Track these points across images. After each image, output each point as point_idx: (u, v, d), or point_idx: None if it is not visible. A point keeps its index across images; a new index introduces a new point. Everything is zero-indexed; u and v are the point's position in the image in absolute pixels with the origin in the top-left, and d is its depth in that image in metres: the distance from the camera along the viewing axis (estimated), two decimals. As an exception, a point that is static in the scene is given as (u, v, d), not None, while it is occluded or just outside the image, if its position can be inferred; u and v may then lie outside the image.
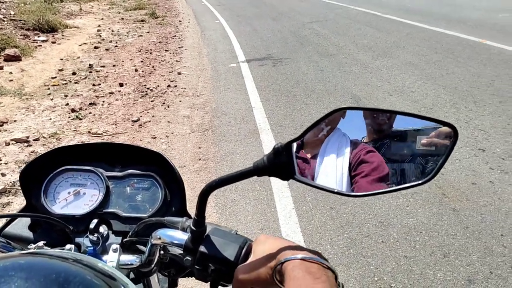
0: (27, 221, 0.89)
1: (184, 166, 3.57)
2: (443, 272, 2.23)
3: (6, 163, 3.69)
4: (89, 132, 4.35)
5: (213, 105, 5.07)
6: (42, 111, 5.01)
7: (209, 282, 0.67)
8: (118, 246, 0.79)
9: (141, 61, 7.32)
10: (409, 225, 2.63)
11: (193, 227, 0.66)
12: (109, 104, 5.20)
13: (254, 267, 0.59)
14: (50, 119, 4.76)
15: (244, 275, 0.60)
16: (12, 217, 0.90)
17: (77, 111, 4.92)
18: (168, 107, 5.07)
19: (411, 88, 5.12)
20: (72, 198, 0.89)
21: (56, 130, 4.43)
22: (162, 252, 0.74)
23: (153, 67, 6.93)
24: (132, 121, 4.61)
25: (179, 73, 6.52)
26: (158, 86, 5.88)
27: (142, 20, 12.14)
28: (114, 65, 7.11)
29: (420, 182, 0.62)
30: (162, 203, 0.89)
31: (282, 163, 0.59)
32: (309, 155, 0.66)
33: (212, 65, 7.02)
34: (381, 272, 2.25)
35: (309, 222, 2.72)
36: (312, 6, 13.72)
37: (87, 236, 0.81)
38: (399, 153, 0.65)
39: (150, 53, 7.98)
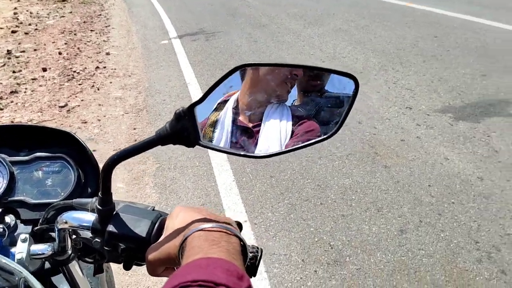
0: None
1: (119, 148, 3.42)
2: (377, 226, 2.35)
3: None
4: (12, 122, 4.05)
5: (146, 84, 4.90)
6: (-44, 104, 4.59)
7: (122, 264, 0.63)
8: (27, 235, 0.72)
9: (65, 43, 6.87)
10: (345, 185, 2.72)
11: (99, 206, 0.61)
12: (32, 91, 4.85)
13: (163, 245, 0.54)
14: (-34, 112, 4.37)
15: (154, 254, 0.55)
16: None
17: (-3, 101, 4.55)
18: (98, 89, 4.83)
19: (342, 53, 5.24)
20: None
21: (-26, 123, 4.08)
22: (74, 236, 0.69)
23: (78, 48, 6.53)
24: (59, 107, 4.35)
25: (108, 54, 6.21)
26: (86, 68, 5.57)
27: (64, 0, 11.35)
28: (35, 50, 6.62)
29: (325, 136, 0.62)
30: (75, 186, 0.82)
31: (185, 129, 0.55)
32: (246, 122, 0.64)
33: (143, 43, 6.74)
34: (320, 232, 2.33)
35: (250, 192, 2.74)
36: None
37: None
38: (307, 108, 0.64)
39: (75, 34, 7.51)
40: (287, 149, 0.62)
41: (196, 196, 2.76)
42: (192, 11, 8.84)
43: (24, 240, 0.71)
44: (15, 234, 0.75)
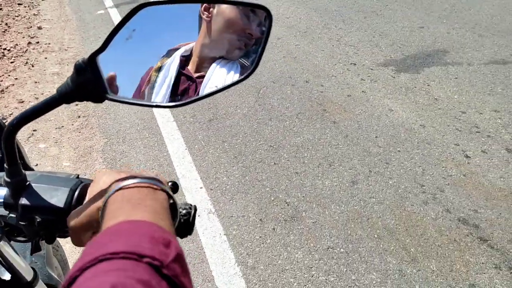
0: None
1: (62, 126, 3.28)
2: (330, 180, 2.42)
3: None
4: None
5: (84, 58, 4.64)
6: None
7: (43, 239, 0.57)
8: None
9: (-10, 20, 6.34)
10: (297, 144, 2.77)
11: (7, 179, 0.55)
12: (-42, 73, 4.47)
13: (84, 210, 0.49)
14: None
15: (75, 221, 0.50)
16: None
17: None
18: (33, 66, 4.53)
19: (285, 14, 5.21)
20: None
21: None
22: None
23: (6, 24, 6.05)
24: (-9, 88, 4.05)
25: (40, 28, 5.80)
26: (17, 45, 5.18)
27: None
28: (-44, 28, 6.06)
29: (242, 77, 0.60)
30: None
31: (89, 82, 0.49)
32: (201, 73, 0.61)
33: (77, 15, 6.35)
34: (276, 191, 2.37)
35: (203, 159, 2.72)
36: None
37: None
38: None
39: (0, 9, 6.93)
40: (205, 93, 0.58)
41: (148, 167, 2.71)
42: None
43: None
44: None
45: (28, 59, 4.72)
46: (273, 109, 3.12)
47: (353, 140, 2.75)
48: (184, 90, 0.62)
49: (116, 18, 5.88)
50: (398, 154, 2.58)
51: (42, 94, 3.86)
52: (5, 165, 0.54)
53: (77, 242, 0.52)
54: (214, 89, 0.59)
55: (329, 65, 3.80)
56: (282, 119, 3.02)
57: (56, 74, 4.29)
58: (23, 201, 0.54)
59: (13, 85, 4.11)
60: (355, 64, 3.78)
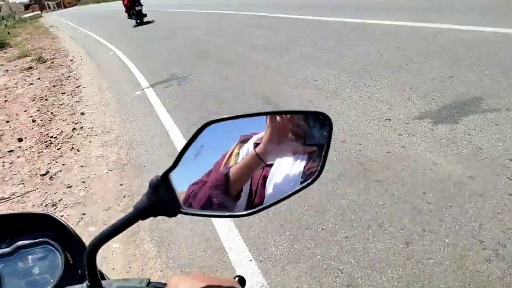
0: None
1: (109, 208, 3.37)
2: (382, 242, 2.34)
3: None
4: (-6, 199, 3.94)
5: (126, 138, 4.87)
6: None
7: None
8: None
9: (38, 110, 6.83)
10: (342, 206, 2.72)
11: None
12: (10, 163, 4.76)
13: None
14: None
15: None
16: None
17: (-24, 180, 4.44)
18: (78, 151, 4.77)
19: (313, 77, 5.36)
20: None
21: (-45, 206, 3.95)
22: None
23: (52, 113, 6.50)
24: (40, 175, 4.27)
25: (82, 114, 6.19)
26: (62, 131, 5.52)
27: (30, 68, 11.35)
28: (7, 121, 6.55)
29: (309, 181, 0.60)
30: (64, 269, 0.79)
31: (162, 200, 0.53)
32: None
33: (116, 98, 6.76)
34: (327, 259, 2.31)
35: (249, 230, 2.70)
36: (204, 20, 13.83)
37: None
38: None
39: (46, 99, 7.48)
40: (277, 199, 0.59)
41: (196, 243, 2.71)
42: (159, 59, 8.95)
43: None
44: None
45: (73, 144, 4.99)
46: (313, 173, 3.12)
47: (400, 198, 2.68)
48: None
49: (152, 97, 6.21)
50: (450, 210, 2.49)
51: (88, 177, 4.03)
52: (86, 282, 0.58)
53: None
54: (282, 196, 0.59)
55: (363, 123, 3.82)
56: (324, 182, 3.00)
57: (101, 157, 4.49)
58: None
59: (60, 171, 4.32)
60: (389, 119, 3.78)
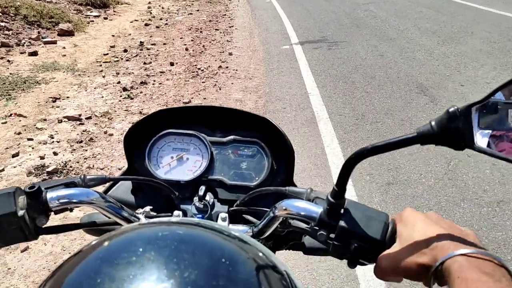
0: (128, 184, 0.89)
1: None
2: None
3: (58, 141, 3.64)
4: (140, 112, 4.24)
5: (266, 89, 4.83)
6: (94, 88, 4.96)
7: (344, 259, 0.60)
8: (226, 215, 0.77)
9: (191, 40, 7.16)
10: (497, 239, 2.31)
11: (331, 199, 0.57)
12: (160, 83, 5.07)
13: (401, 258, 0.50)
14: (102, 97, 4.70)
15: (390, 263, 0.52)
16: (126, 180, 0.88)
17: (128, 90, 4.83)
18: (220, 89, 4.88)
19: (485, 78, 4.66)
20: (176, 164, 0.87)
21: (108, 109, 4.35)
22: (279, 224, 0.68)
23: (203, 46, 6.75)
24: (183, 103, 4.46)
25: (230, 54, 6.31)
26: (209, 66, 5.70)
27: (192, -2, 11.99)
28: (164, 44, 7.00)
29: None
30: (268, 174, 0.85)
31: (458, 130, 0.49)
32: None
33: (264, 46, 6.75)
34: None
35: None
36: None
37: (193, 203, 0.80)
38: None
39: (200, 32, 7.81)
40: None
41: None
42: (315, 18, 8.69)
43: (224, 219, 0.76)
44: (213, 212, 0.80)
45: (217, 81, 5.11)
46: (466, 189, 2.70)
47: None
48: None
49: (299, 55, 6.06)
50: None
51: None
52: (334, 186, 0.57)
53: (381, 276, 0.54)
54: None
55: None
56: (478, 203, 2.58)
57: (239, 101, 4.53)
58: (343, 223, 0.57)
59: (201, 104, 4.46)
60: None
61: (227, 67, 5.66)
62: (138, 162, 0.87)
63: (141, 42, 7.03)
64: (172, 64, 5.79)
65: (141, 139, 0.88)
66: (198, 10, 10.09)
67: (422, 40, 6.41)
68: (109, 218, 0.70)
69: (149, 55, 6.34)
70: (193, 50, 6.51)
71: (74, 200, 0.66)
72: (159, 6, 10.65)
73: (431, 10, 8.62)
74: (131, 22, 8.77)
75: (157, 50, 6.59)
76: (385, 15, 8.40)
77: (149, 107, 4.37)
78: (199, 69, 5.60)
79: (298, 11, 9.57)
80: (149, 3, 11.16)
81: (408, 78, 4.81)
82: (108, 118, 4.13)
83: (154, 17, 9.33)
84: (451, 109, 0.49)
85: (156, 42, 7.08)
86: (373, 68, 5.26)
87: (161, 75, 5.40)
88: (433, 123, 0.49)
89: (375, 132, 3.58)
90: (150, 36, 7.54)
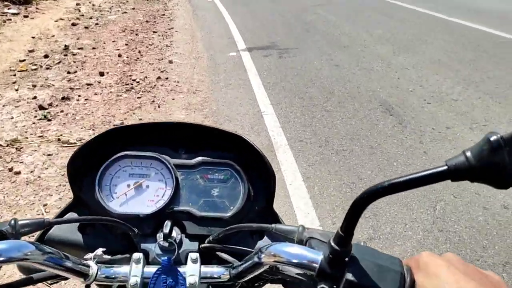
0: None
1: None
2: None
3: None
4: (58, 139, 3.44)
5: (213, 107, 4.19)
6: (3, 106, 4.06)
7: None
8: (197, 255, 0.65)
9: (126, 44, 6.34)
10: None
11: (335, 246, 0.46)
12: (86, 99, 4.26)
13: None
14: (12, 117, 3.82)
15: None
16: (70, 222, 0.72)
17: (46, 108, 3.98)
18: (159, 106, 4.17)
19: (450, 95, 4.32)
20: (133, 193, 0.73)
21: (18, 134, 3.50)
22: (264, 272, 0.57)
23: (139, 52, 5.97)
24: (114, 126, 3.71)
25: (171, 62, 5.59)
26: (146, 77, 4.95)
27: (127, -6, 11.00)
28: (93, 48, 6.12)
29: None
30: (245, 200, 0.72)
31: (504, 164, 0.37)
32: None
33: (208, 53, 6.09)
34: None
35: None
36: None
37: (157, 242, 0.68)
38: None
39: (136, 34, 6.99)
40: None
41: None
42: (262, 21, 8.14)
43: (195, 261, 0.65)
44: (181, 251, 0.68)
45: (155, 97, 4.39)
46: (463, 244, 2.25)
47: None
48: None
49: (248, 64, 5.47)
50: None
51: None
52: (339, 230, 0.46)
53: None
54: None
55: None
56: (480, 265, 2.13)
57: (182, 123, 3.85)
58: (350, 276, 0.46)
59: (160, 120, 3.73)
60: None
61: (167, 78, 4.95)
62: (86, 193, 0.73)
63: (66, 45, 6.10)
64: (102, 74, 4.97)
65: (90, 164, 0.75)
66: (133, 9, 9.19)
67: (376, 48, 6.06)
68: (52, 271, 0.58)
69: (74, 62, 5.46)
70: (127, 57, 5.71)
71: (1, 258, 0.53)
72: (90, 2, 9.62)
73: (379, 15, 8.39)
74: (56, 21, 7.74)
75: (85, 56, 5.72)
76: (334, 19, 8.03)
77: (70, 132, 3.57)
78: (134, 80, 4.83)
79: (243, 12, 8.98)
80: (79, -1, 10.08)
81: (369, 94, 4.38)
82: (17, 148, 3.30)
83: (83, 15, 8.33)
84: (493, 138, 0.38)
85: (84, 46, 6.19)
86: (330, 81, 4.79)
87: (87, 88, 4.58)
88: (468, 154, 0.39)
89: (344, 164, 3.07)
90: (77, 39, 6.61)
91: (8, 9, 7.96)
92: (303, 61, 5.53)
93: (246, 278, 0.60)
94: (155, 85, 4.72)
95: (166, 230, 0.66)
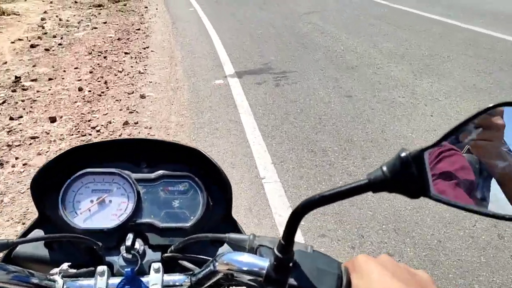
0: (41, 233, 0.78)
1: None
2: None
3: None
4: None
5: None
6: None
7: None
8: (159, 265, 0.67)
9: (90, 72, 5.26)
10: None
11: (278, 253, 0.50)
12: (24, 165, 3.19)
13: None
14: None
15: None
16: (35, 241, 0.74)
17: (-34, 184, 2.90)
18: (123, 172, 3.10)
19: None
20: (97, 208, 0.76)
21: None
22: (221, 278, 0.59)
23: (105, 83, 4.88)
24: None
25: (143, 96, 4.51)
26: (110, 122, 3.88)
27: (100, 5, 9.89)
28: (50, 78, 5.03)
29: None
30: (205, 210, 0.76)
31: (411, 178, 0.42)
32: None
33: (190, 81, 5.02)
34: None
35: None
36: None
37: (121, 254, 0.70)
38: None
39: (105, 57, 5.90)
40: None
41: None
42: (251, 34, 7.09)
43: (157, 270, 0.66)
44: (144, 261, 0.71)
45: (118, 156, 3.32)
46: None
47: None
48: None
49: (238, 95, 4.43)
50: None
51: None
52: (281, 240, 0.50)
53: None
54: None
55: None
56: None
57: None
58: (292, 281, 0.50)
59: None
60: None
61: (136, 123, 3.88)
62: (51, 210, 0.75)
63: (16, 77, 5.02)
64: (53, 120, 3.89)
65: (53, 182, 0.76)
66: (105, 23, 8.09)
67: (391, 69, 5.05)
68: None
69: (22, 101, 4.38)
70: (89, 91, 4.63)
71: None
72: (56, 16, 8.51)
73: (383, 23, 7.39)
74: (13, 42, 6.65)
75: (37, 92, 4.63)
76: (333, 30, 7.02)
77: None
78: (93, 128, 3.77)
79: (230, 24, 7.92)
80: (45, 12, 8.95)
81: (400, 142, 3.36)
82: None
83: (46, 33, 7.23)
84: (403, 154, 0.42)
85: (39, 76, 5.10)
86: (344, 121, 3.77)
87: (30, 144, 3.49)
88: (384, 168, 0.43)
89: None
90: (34, 66, 5.52)
91: (-43, 28, 6.84)
92: (306, 91, 4.50)
93: (206, 285, 0.61)
94: (120, 135, 3.65)
95: (129, 242, 0.69)
